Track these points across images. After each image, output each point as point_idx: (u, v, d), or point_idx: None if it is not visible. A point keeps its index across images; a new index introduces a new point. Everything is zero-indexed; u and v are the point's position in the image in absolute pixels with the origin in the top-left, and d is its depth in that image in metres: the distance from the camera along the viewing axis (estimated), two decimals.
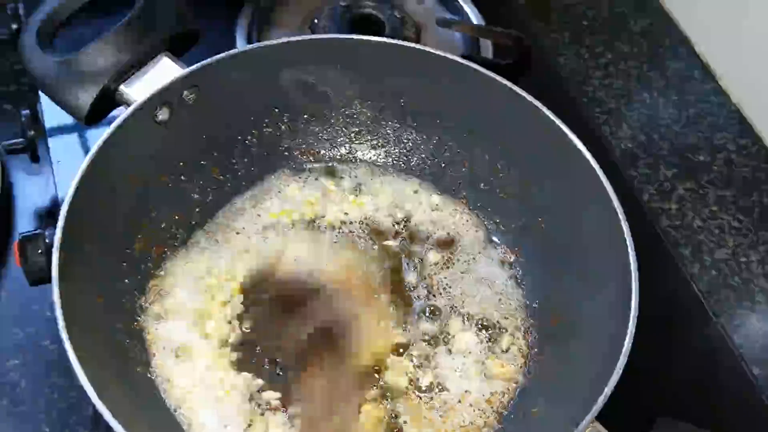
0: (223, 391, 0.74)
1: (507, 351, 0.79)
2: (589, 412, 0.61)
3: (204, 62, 0.77)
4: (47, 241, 0.76)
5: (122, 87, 0.76)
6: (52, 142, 0.93)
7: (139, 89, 0.76)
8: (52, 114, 0.94)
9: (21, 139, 0.90)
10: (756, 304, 0.92)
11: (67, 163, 0.91)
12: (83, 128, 0.95)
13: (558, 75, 1.11)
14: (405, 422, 0.74)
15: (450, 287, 0.83)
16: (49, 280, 0.66)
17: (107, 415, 0.60)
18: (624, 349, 0.65)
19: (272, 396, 0.75)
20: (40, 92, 0.95)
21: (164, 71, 0.77)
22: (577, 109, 1.07)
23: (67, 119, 0.93)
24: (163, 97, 0.76)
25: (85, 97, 0.75)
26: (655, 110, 1.08)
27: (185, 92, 0.78)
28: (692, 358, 0.87)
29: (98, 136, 0.72)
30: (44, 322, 0.84)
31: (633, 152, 1.04)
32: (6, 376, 0.80)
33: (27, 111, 0.92)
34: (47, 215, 0.92)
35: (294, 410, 0.74)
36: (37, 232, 0.77)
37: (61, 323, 0.63)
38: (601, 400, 0.62)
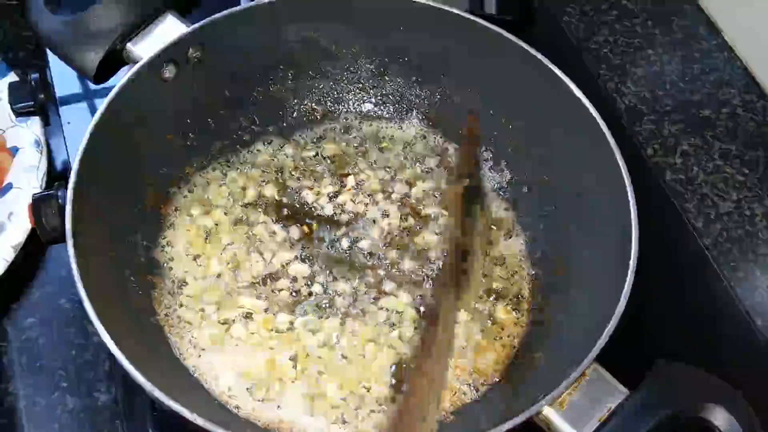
0: (232, 338, 0.76)
1: (512, 299, 0.80)
2: (590, 352, 0.63)
3: (209, 19, 0.78)
4: (60, 201, 0.77)
5: (129, 45, 0.77)
6: (61, 107, 0.94)
7: (145, 47, 0.77)
8: (59, 79, 0.96)
9: (31, 102, 0.91)
10: (760, 256, 0.92)
11: (77, 126, 0.92)
12: (91, 92, 0.96)
13: (563, 32, 1.10)
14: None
15: None
16: (62, 239, 0.67)
17: (125, 363, 0.61)
18: (624, 292, 0.66)
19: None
20: (48, 58, 0.96)
21: (170, 29, 0.78)
22: (582, 66, 1.07)
23: (76, 84, 0.96)
24: (169, 54, 0.77)
25: (93, 56, 0.76)
26: (660, 67, 1.08)
27: (191, 49, 0.79)
28: (697, 310, 0.88)
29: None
30: (60, 282, 0.85)
31: (638, 109, 1.03)
32: (24, 333, 0.82)
33: (36, 75, 0.93)
34: (59, 177, 0.93)
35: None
36: (49, 192, 0.78)
37: (77, 277, 0.64)
38: (601, 342, 0.63)
